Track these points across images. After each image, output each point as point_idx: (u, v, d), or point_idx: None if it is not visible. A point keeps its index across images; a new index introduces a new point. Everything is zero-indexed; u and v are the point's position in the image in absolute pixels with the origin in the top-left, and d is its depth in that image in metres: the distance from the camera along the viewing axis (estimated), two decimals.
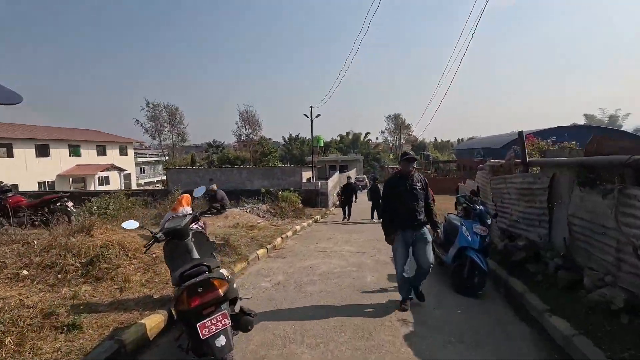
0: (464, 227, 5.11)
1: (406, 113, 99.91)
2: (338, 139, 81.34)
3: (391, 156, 59.31)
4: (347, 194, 14.49)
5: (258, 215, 12.91)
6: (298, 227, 10.94)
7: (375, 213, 13.56)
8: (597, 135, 4.05)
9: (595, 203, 3.89)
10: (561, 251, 4.66)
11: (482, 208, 5.41)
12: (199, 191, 4.06)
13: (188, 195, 6.98)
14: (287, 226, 10.98)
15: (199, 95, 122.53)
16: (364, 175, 39.26)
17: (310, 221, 12.96)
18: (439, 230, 4.50)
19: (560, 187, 4.68)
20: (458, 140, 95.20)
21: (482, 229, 5.07)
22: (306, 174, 21.78)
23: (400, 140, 45.04)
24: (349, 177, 15.60)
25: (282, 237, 8.90)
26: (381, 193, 14.62)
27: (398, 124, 77.99)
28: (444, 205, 20.29)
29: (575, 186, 4.25)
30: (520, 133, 5.54)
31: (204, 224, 7.52)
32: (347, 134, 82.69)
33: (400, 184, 4.16)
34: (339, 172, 38.01)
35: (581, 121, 61.20)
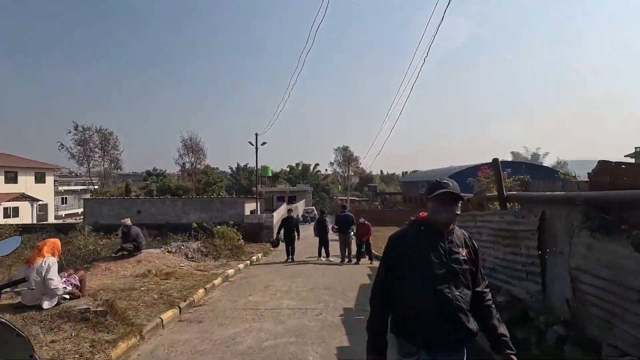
0: None
1: (354, 144, 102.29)
2: (288, 169, 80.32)
3: (340, 187, 59.07)
4: (288, 229, 12.10)
5: (186, 255, 10.83)
6: (231, 271, 9.09)
7: (323, 250, 12.05)
8: (606, 162, 3.06)
9: (617, 255, 2.81)
10: (562, 315, 3.52)
11: None
12: (5, 247, 2.24)
13: (56, 240, 5.00)
14: (218, 270, 9.09)
15: (141, 122, 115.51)
16: (313, 207, 38.00)
17: (248, 262, 11.12)
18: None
19: (556, 230, 3.62)
20: (402, 173, 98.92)
21: None
22: (250, 206, 19.95)
23: (348, 172, 44.87)
24: (289, 210, 13.48)
25: (205, 288, 7.04)
26: (328, 227, 13.30)
27: (346, 156, 79.09)
28: None
29: (581, 230, 3.18)
30: (495, 160, 4.55)
31: (81, 280, 5.46)
32: (297, 164, 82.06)
33: (425, 246, 1.86)
34: (287, 203, 36.46)
35: (508, 158, 66.95)
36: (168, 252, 10.49)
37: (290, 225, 12.14)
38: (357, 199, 47.01)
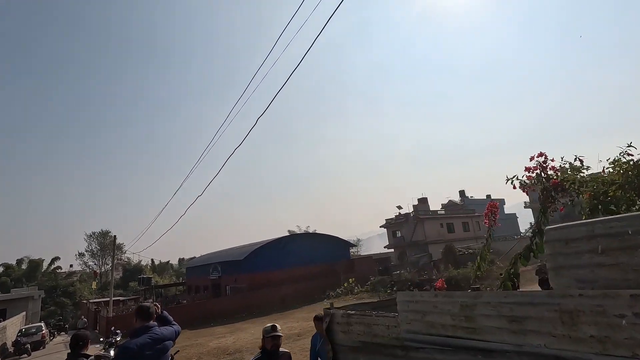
0: None
1: (118, 231, 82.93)
2: (0, 270, 53.82)
3: (94, 285, 42.77)
4: None
5: None
6: None
7: None
8: None
9: None
10: None
11: None
12: None
13: None
14: None
15: None
16: (41, 323, 23.41)
17: None
18: None
19: None
20: (179, 260, 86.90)
21: None
22: None
23: (113, 262, 32.19)
24: None
25: None
26: None
27: (105, 244, 61.62)
28: None
29: None
30: None
31: None
32: (20, 261, 56.77)
33: None
34: None
35: (286, 233, 72.77)
36: None
37: None
38: (121, 298, 34.30)
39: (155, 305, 3.16)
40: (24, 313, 26.57)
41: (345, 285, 27.01)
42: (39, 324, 23.40)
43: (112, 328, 17.67)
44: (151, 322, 2.92)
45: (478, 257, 4.70)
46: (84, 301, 37.33)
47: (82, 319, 27.43)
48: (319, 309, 23.25)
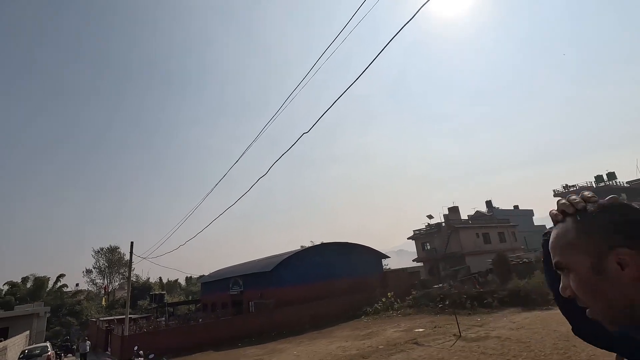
0: None
1: (125, 248, 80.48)
2: (5, 288, 51.52)
3: (104, 302, 40.06)
4: None
5: None
6: None
7: None
8: None
9: None
10: None
11: None
12: None
13: None
14: None
15: None
16: (46, 343, 20.74)
17: None
18: None
19: None
20: (186, 278, 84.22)
21: None
22: None
23: (129, 272, 29.68)
24: None
25: None
26: None
27: (113, 260, 59.21)
28: None
29: None
30: None
31: None
32: (25, 279, 54.40)
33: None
34: None
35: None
36: None
37: None
38: (132, 316, 31.46)
39: None
40: (28, 332, 23.94)
41: (384, 300, 24.19)
42: (44, 344, 20.72)
43: (136, 348, 15.04)
44: None
45: None
46: (94, 319, 34.57)
47: (86, 340, 23.22)
48: (361, 326, 20.08)
